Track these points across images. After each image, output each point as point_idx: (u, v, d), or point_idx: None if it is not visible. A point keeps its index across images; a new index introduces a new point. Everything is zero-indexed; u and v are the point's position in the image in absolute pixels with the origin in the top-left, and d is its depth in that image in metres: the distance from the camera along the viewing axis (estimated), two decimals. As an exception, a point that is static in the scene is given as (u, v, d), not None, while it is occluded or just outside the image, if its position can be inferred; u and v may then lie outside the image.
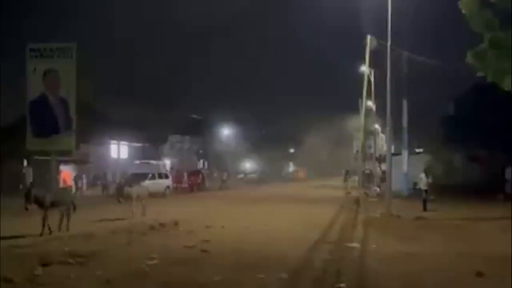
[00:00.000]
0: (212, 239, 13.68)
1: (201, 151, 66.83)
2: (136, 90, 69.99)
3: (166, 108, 56.09)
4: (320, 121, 63.86)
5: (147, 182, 29.22)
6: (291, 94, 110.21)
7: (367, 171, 41.28)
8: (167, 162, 50.83)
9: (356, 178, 36.21)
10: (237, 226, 16.59)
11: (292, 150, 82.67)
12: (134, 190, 21.15)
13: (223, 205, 25.49)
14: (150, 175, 33.03)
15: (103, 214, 19.95)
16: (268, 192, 37.35)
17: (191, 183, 40.96)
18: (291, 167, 79.38)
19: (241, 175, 58.52)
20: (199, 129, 65.41)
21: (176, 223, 17.04)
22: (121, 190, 24.90)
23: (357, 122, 38.13)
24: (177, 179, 39.89)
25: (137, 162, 39.81)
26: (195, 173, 43.54)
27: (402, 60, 28.38)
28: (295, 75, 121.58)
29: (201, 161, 66.77)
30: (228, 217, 19.51)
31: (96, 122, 42.92)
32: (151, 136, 51.81)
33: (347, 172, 37.81)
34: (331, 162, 66.69)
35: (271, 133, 73.99)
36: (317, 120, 64.78)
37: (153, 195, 26.31)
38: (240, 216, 19.73)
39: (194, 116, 66.70)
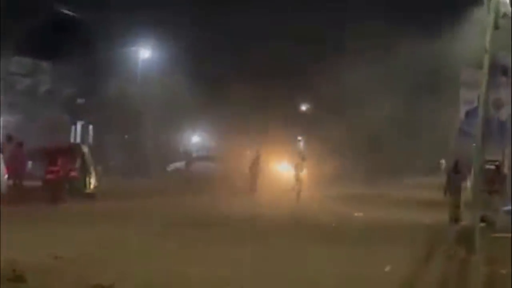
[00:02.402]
0: None
1: (80, 100, 36.41)
2: None
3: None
4: (373, 37, 30.19)
5: None
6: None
7: (491, 166, 20.86)
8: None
9: (468, 184, 17.89)
10: None
11: (304, 107, 45.61)
12: None
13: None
14: None
15: None
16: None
17: (52, 176, 18.61)
18: (300, 147, 41.77)
19: (178, 164, 29.39)
20: (75, 44, 31.71)
21: None
22: None
23: (467, 44, 20.35)
24: (18, 166, 18.32)
25: None
26: (64, 151, 20.37)
27: None
28: None
29: (79, 123, 35.59)
30: None
31: None
32: None
33: (453, 167, 18.62)
34: (400, 140, 32.14)
35: (251, 62, 34.25)
36: (361, 37, 30.47)
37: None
38: None
39: (65, 11, 32.41)
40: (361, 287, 8.71)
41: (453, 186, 17.63)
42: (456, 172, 18.08)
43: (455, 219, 16.53)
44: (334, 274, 9.12)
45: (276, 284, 8.44)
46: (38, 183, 18.72)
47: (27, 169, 18.81)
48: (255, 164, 25.82)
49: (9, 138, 20.50)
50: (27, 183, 18.42)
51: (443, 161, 20.85)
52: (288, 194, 22.95)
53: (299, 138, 46.16)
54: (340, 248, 11.77)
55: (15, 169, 17.44)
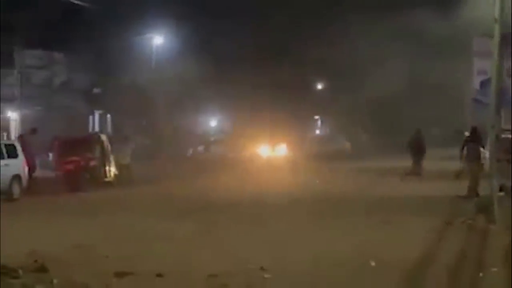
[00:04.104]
0: None
1: (96, 90, 36.52)
2: None
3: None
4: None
5: None
6: None
7: (508, 135, 19.60)
8: (13, 118, 27.33)
9: (487, 153, 16.21)
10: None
11: (320, 86, 45.35)
12: None
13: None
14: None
15: None
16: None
17: (71, 166, 18.58)
18: (318, 128, 42.62)
19: (198, 149, 29.54)
20: (88, 34, 31.16)
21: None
22: None
23: (479, 11, 19.29)
24: (27, 158, 17.71)
25: None
26: (83, 141, 20.15)
27: None
28: None
29: (97, 113, 35.25)
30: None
31: None
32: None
33: (470, 135, 17.38)
34: (417, 110, 30.81)
35: (261, 42, 33.54)
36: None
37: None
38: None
39: (75, 0, 29.30)
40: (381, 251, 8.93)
41: (470, 155, 16.89)
42: (472, 140, 17.25)
43: (473, 189, 15.93)
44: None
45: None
46: (58, 174, 18.78)
47: (35, 160, 18.40)
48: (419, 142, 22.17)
49: (33, 130, 19.85)
50: (48, 174, 18.48)
51: (467, 133, 18.64)
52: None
53: (316, 117, 45.42)
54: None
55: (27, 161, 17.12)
